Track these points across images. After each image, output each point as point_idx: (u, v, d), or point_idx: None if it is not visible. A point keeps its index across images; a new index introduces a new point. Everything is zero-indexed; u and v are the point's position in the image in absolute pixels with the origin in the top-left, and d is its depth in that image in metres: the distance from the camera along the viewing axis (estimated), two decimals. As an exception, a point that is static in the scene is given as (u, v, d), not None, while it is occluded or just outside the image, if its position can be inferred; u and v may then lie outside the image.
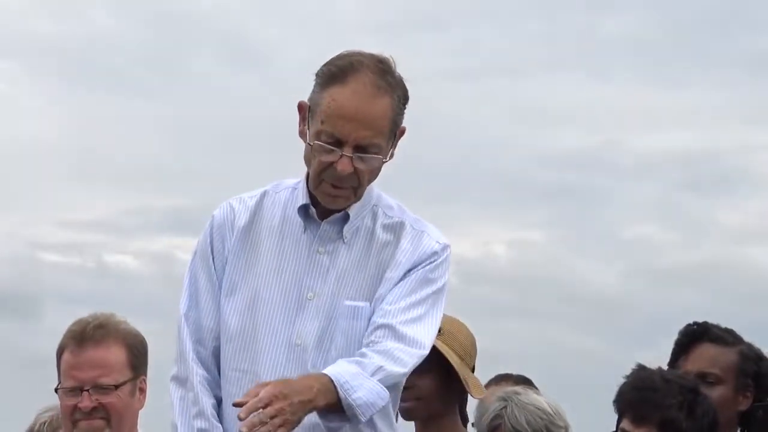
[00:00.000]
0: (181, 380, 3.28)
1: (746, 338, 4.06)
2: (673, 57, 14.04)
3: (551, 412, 3.72)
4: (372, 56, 3.19)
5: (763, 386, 3.91)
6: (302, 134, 3.22)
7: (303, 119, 3.23)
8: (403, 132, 3.24)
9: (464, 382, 4.03)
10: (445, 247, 3.31)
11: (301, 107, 3.24)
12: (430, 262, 3.28)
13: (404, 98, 3.21)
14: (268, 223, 3.33)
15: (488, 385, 4.74)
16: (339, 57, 3.21)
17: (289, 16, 14.31)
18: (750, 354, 3.94)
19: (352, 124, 3.11)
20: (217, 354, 3.30)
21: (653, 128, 14.16)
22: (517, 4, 13.86)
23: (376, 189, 3.32)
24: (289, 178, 3.40)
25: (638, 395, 3.53)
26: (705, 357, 3.92)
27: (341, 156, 3.12)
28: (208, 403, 3.25)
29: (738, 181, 14.24)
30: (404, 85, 3.22)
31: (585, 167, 14.15)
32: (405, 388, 3.97)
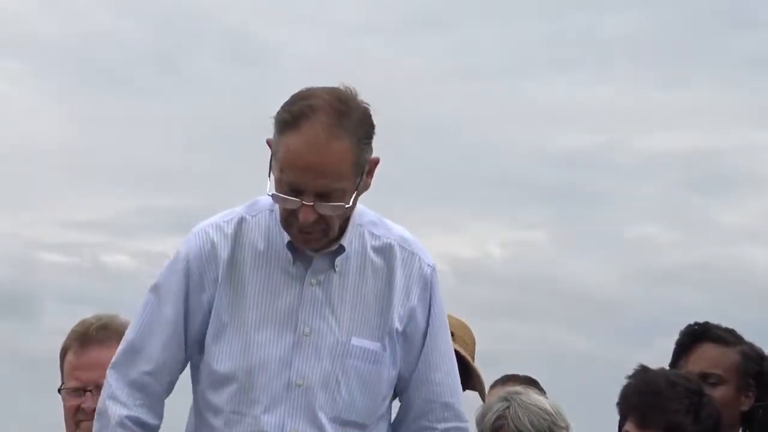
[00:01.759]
0: (101, 413, 3.16)
1: (748, 339, 4.06)
2: (675, 57, 14.04)
3: (553, 413, 3.72)
4: (328, 96, 3.03)
5: (765, 386, 3.91)
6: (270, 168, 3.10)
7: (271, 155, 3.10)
8: (376, 163, 3.10)
9: (480, 388, 4.05)
10: (434, 270, 3.24)
11: (269, 144, 3.10)
12: (433, 303, 3.22)
13: (367, 134, 3.05)
14: (251, 253, 3.15)
15: (494, 385, 4.75)
16: (293, 100, 3.05)
17: (292, 15, 14.31)
18: (752, 354, 3.93)
19: (309, 173, 2.98)
20: (170, 389, 3.19)
21: (654, 128, 14.16)
22: (517, 5, 13.86)
23: (358, 205, 3.19)
24: (262, 197, 3.22)
25: (643, 399, 3.51)
26: (706, 357, 3.92)
27: (302, 205, 3.00)
28: None
29: (740, 181, 14.24)
30: (368, 118, 3.07)
31: (586, 167, 14.16)
32: None
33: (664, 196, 14.35)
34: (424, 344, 3.20)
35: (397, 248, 3.20)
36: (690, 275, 13.47)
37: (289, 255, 3.12)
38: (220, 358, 3.11)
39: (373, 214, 3.24)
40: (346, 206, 3.04)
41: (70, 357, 3.81)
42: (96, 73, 14.38)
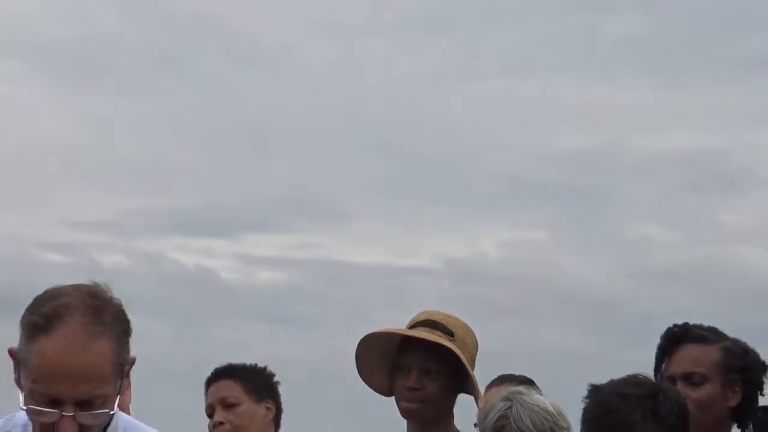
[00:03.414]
0: None
1: (747, 340, 4.05)
2: (676, 57, 14.06)
3: (555, 413, 3.72)
4: (81, 292, 2.76)
5: (750, 380, 3.91)
6: (17, 382, 2.79)
7: (16, 367, 2.80)
8: (133, 362, 2.86)
9: (474, 393, 4.05)
10: None
11: (11, 354, 2.81)
12: None
13: (125, 331, 2.80)
14: None
15: (491, 385, 4.76)
16: (42, 300, 2.76)
17: (296, 17, 14.31)
18: (735, 349, 3.92)
19: (68, 381, 2.67)
20: None
21: (654, 128, 14.16)
22: (519, 6, 13.87)
23: (121, 416, 2.96)
24: (19, 412, 2.87)
25: (602, 422, 3.48)
26: (688, 358, 3.91)
27: (62, 416, 2.69)
28: None
29: (740, 182, 14.25)
30: (124, 313, 2.81)
31: (586, 167, 14.17)
32: (413, 389, 3.99)
33: (664, 196, 14.37)
34: None
35: None
36: (690, 275, 13.49)
37: None
38: None
39: (128, 417, 3.02)
40: (111, 413, 2.77)
41: None
42: (98, 74, 14.41)
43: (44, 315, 2.71)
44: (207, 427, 4.55)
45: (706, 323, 4.06)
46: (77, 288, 2.78)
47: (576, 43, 14.00)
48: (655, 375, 3.93)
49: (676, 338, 3.96)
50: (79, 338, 2.69)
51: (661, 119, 14.09)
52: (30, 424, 2.83)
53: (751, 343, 4.04)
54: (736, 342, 3.96)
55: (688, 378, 3.84)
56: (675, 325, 4.01)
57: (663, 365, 3.95)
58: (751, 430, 3.93)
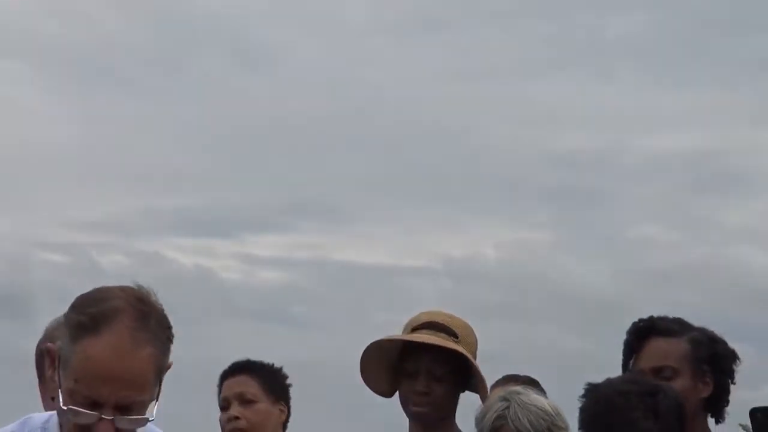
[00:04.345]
0: None
1: (746, 339, 4.04)
2: (677, 58, 14.10)
3: (553, 413, 3.72)
4: (128, 296, 2.75)
5: (720, 369, 3.90)
6: (50, 380, 2.83)
7: (51, 364, 2.81)
8: (169, 368, 2.82)
9: (481, 392, 4.05)
10: None
11: (49, 352, 2.83)
12: None
13: (169, 338, 2.79)
14: None
15: (495, 385, 4.76)
16: (90, 300, 2.75)
17: (297, 18, 14.35)
18: (702, 339, 3.92)
19: (111, 384, 2.67)
20: None
21: (655, 129, 14.20)
22: (522, 7, 13.91)
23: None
24: (35, 414, 2.91)
25: (602, 420, 3.51)
26: (656, 352, 3.90)
27: (100, 419, 2.67)
28: None
29: (740, 182, 14.28)
30: (167, 320, 2.80)
31: (586, 168, 14.19)
32: (423, 393, 3.98)
33: (665, 196, 14.41)
34: None
35: None
36: (690, 275, 13.52)
37: None
38: None
39: (150, 424, 2.91)
40: (150, 419, 2.77)
41: None
42: (98, 75, 14.46)
43: (92, 316, 2.70)
44: (218, 420, 4.53)
45: (707, 323, 4.06)
46: (125, 290, 2.77)
47: (577, 44, 14.03)
48: (624, 371, 3.92)
49: (643, 333, 3.95)
50: (126, 343, 2.69)
51: (662, 119, 14.12)
52: (50, 426, 2.83)
53: (751, 342, 4.04)
54: (703, 331, 3.95)
55: (658, 373, 3.83)
56: (640, 320, 4.00)
57: (631, 361, 3.95)
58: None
